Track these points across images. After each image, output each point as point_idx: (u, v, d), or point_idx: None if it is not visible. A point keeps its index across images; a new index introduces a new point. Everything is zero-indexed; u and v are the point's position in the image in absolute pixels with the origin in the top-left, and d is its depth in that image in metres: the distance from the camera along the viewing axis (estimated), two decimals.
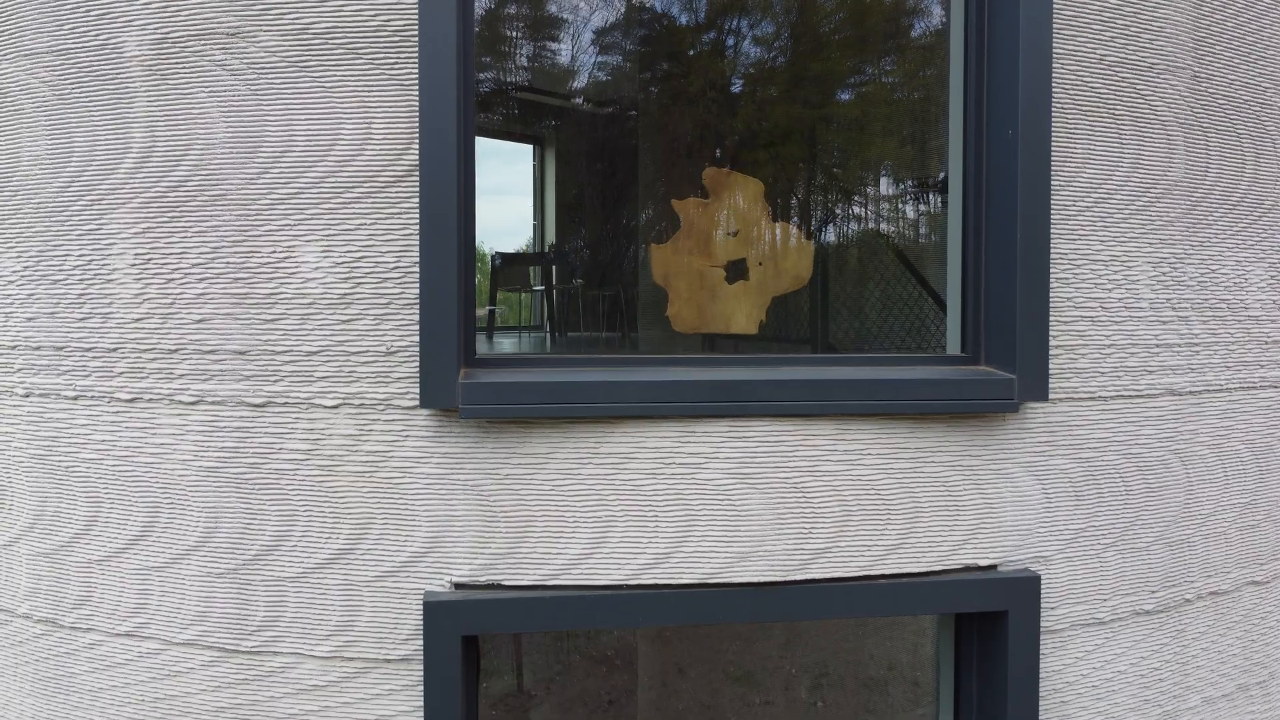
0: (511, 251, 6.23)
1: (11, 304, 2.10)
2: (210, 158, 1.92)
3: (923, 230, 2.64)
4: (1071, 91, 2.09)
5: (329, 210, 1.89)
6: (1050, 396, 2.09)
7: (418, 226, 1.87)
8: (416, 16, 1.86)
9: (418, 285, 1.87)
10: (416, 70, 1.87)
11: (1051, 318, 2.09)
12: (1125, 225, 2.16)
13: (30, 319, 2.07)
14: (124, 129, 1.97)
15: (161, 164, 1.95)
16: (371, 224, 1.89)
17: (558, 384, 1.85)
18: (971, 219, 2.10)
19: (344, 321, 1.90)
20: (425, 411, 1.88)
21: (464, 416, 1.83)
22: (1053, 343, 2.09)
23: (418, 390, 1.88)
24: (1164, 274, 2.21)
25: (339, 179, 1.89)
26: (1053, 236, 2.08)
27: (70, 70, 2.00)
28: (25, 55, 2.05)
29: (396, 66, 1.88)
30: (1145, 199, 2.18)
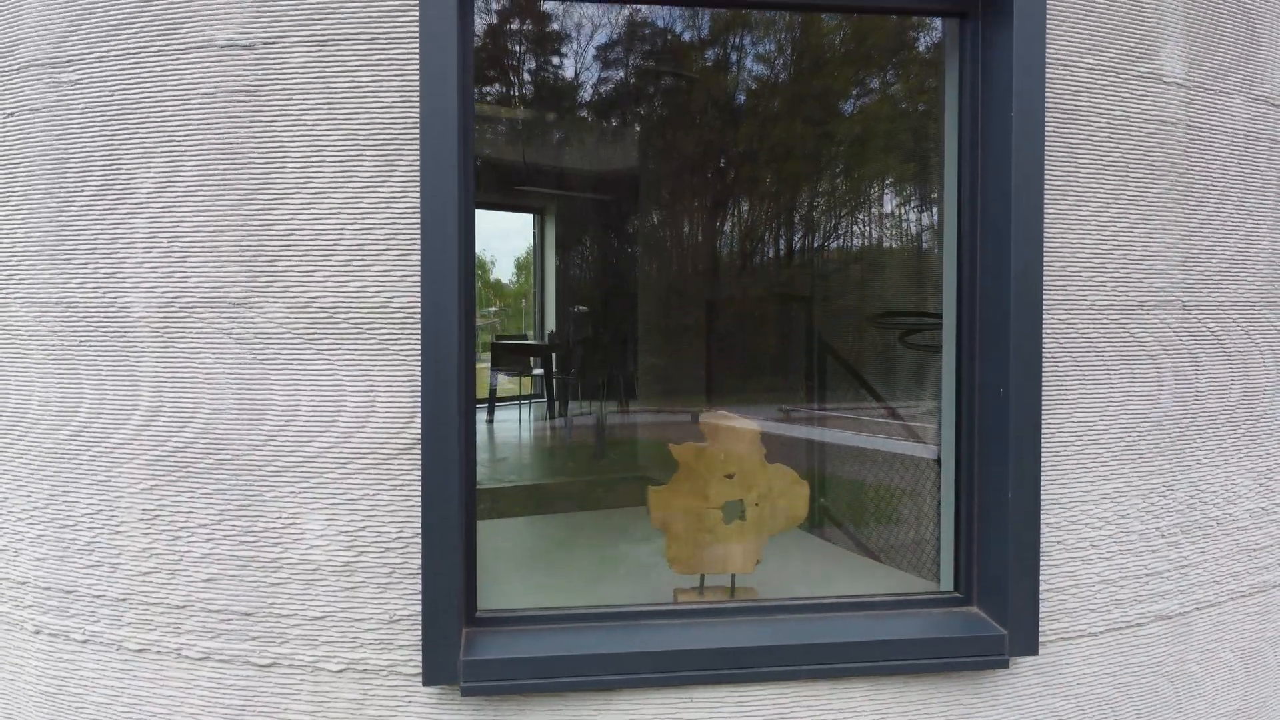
0: (509, 341, 6.27)
1: (22, 541, 2.14)
2: (217, 421, 1.96)
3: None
4: (1062, 340, 2.13)
5: (333, 480, 1.93)
6: (1041, 640, 2.12)
7: (420, 499, 1.91)
8: (419, 295, 1.90)
9: (420, 556, 1.91)
10: (419, 346, 1.90)
11: (1043, 562, 2.12)
12: (1116, 463, 2.19)
13: (39, 559, 2.11)
14: (132, 386, 2.00)
15: (169, 424, 1.98)
16: (374, 495, 1.93)
17: (557, 659, 1.88)
18: (965, 469, 2.13)
19: (348, 589, 1.93)
20: None
21: (465, 694, 1.87)
22: (1044, 585, 2.13)
23: (420, 658, 1.91)
24: (1153, 504, 2.25)
25: (343, 450, 1.93)
26: (1044, 483, 2.12)
27: (78, 323, 2.04)
28: (34, 303, 2.09)
29: (400, 341, 1.91)
30: (1135, 434, 2.22)
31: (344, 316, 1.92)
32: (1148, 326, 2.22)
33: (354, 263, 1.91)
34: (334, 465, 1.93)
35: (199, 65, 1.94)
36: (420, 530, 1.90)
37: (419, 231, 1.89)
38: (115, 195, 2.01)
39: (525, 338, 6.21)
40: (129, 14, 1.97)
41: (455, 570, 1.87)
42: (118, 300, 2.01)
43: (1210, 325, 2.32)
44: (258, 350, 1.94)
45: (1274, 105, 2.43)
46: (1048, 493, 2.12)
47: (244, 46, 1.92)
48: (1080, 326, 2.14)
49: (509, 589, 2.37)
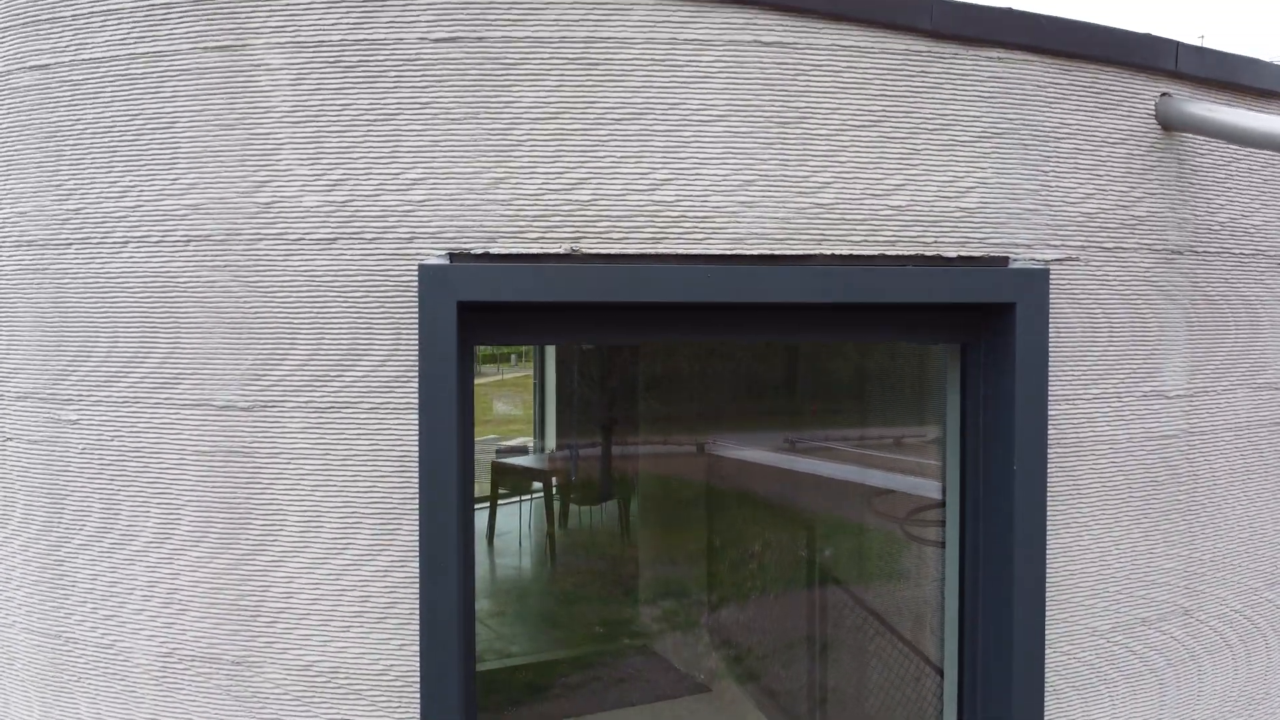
0: (510, 461, 6.26)
1: None
2: None
3: None
4: (1063, 671, 2.12)
5: None
6: None
7: None
8: (418, 664, 1.89)
9: None
10: (419, 716, 1.90)
11: None
12: None
13: None
14: None
15: None
16: None
17: None
18: None
19: None
20: None
21: None
22: None
23: None
24: None
25: None
26: None
27: (77, 660, 2.04)
28: (34, 632, 2.09)
29: (400, 710, 1.91)
30: None
31: (342, 682, 1.91)
32: (1149, 642, 2.21)
33: (352, 629, 1.91)
34: None
35: (198, 422, 1.94)
36: None
37: (417, 601, 1.88)
38: (113, 540, 2.00)
39: (526, 450, 6.21)
40: (128, 363, 1.97)
41: None
42: (117, 643, 2.01)
43: (1213, 623, 2.32)
44: (257, 710, 1.94)
45: (1278, 389, 2.42)
46: None
47: (243, 409, 1.92)
48: (1082, 655, 2.13)
49: None
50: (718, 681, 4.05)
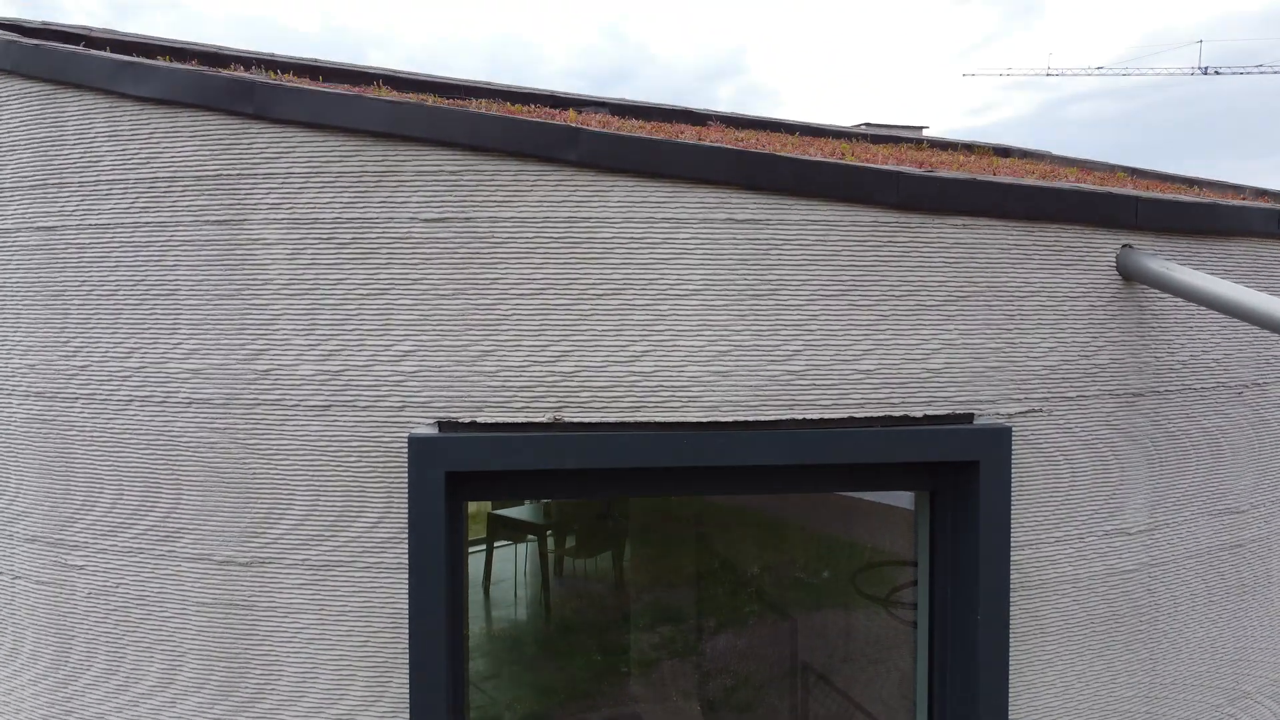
0: (506, 514, 6.33)
1: None
2: None
3: None
4: None
5: None
6: None
7: None
8: None
9: None
10: None
11: None
12: None
13: None
14: None
15: None
16: None
17: None
18: None
19: None
20: None
21: None
22: None
23: None
24: None
25: None
26: None
27: None
28: None
29: None
30: None
31: None
32: None
33: None
34: None
35: (199, 575, 2.03)
36: None
37: None
38: (119, 681, 2.09)
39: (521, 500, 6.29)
40: (132, 515, 2.06)
41: None
42: None
43: None
44: None
45: (1238, 513, 2.51)
46: None
47: (242, 564, 2.01)
48: None
49: None
50: None
